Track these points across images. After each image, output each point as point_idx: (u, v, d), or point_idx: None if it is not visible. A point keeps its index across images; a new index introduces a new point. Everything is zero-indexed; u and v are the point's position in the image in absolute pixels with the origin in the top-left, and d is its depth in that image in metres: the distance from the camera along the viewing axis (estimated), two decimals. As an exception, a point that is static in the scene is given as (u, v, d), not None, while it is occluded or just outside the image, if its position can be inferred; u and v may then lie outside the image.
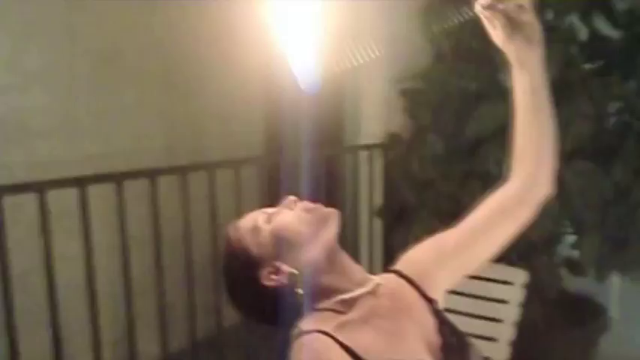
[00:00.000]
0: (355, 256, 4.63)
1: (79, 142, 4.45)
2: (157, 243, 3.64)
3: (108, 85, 4.60)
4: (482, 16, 1.66)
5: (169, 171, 3.82)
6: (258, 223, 1.71)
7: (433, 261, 1.79)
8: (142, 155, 4.53)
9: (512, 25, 1.65)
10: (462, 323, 3.50)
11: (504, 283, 3.64)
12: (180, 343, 3.99)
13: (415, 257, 1.84)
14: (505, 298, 3.63)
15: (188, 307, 3.84)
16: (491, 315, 3.62)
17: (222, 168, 3.99)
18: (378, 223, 4.86)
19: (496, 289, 3.64)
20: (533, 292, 3.75)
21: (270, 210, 1.76)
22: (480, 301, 3.64)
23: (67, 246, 3.51)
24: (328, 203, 1.71)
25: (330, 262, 1.67)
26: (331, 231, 1.68)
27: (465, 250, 1.79)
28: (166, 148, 4.83)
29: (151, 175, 3.62)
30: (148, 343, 3.76)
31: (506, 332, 3.57)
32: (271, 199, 1.79)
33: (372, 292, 1.68)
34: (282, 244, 1.66)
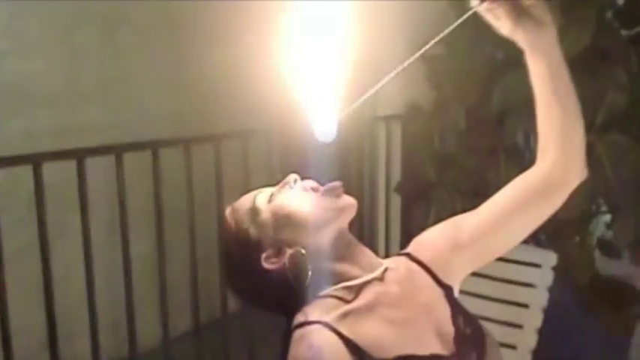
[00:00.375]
0: (372, 235, 4.67)
1: (81, 112, 4.47)
2: (159, 220, 3.66)
3: (112, 51, 4.61)
4: (480, 10, 1.65)
5: (172, 143, 3.83)
6: (257, 204, 1.71)
7: (450, 245, 1.78)
8: (148, 126, 4.54)
9: (517, 10, 1.63)
10: (485, 308, 3.53)
11: (532, 265, 3.65)
12: (182, 327, 4.02)
13: (430, 240, 1.83)
14: (532, 281, 3.64)
15: (191, 288, 3.86)
16: (517, 300, 3.63)
17: (229, 140, 4.00)
18: (396, 200, 4.87)
19: (523, 271, 3.64)
20: (563, 275, 3.76)
21: (269, 189, 1.75)
22: (504, 285, 3.65)
23: (66, 222, 3.53)
24: (343, 181, 1.70)
25: (336, 247, 1.66)
26: (347, 221, 1.68)
27: (486, 237, 1.77)
28: (174, 118, 4.84)
29: (153, 147, 3.62)
30: (149, 326, 3.79)
31: (533, 318, 3.58)
32: (283, 174, 1.78)
33: (380, 278, 1.67)
34: (284, 224, 1.66)
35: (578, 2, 1.59)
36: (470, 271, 1.83)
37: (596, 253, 4.39)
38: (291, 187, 1.72)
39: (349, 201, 1.67)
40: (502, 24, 1.66)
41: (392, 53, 4.65)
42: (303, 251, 1.62)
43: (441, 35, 1.63)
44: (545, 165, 1.74)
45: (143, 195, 3.66)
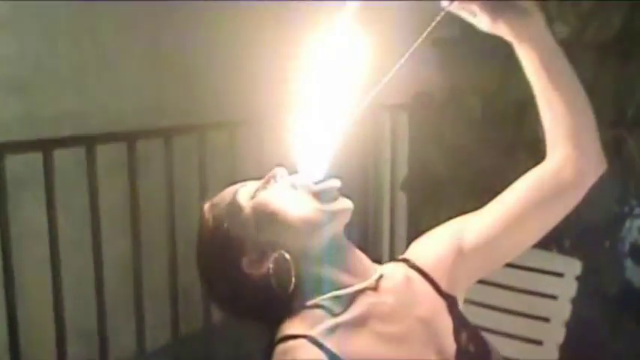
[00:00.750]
0: (376, 238, 4.67)
1: (55, 98, 4.45)
2: (135, 219, 3.65)
3: (89, 32, 4.60)
4: (453, 9, 1.65)
5: (151, 134, 3.82)
6: (238, 200, 1.68)
7: (453, 250, 1.76)
8: (128, 115, 4.53)
9: (494, 2, 1.63)
10: (500, 321, 3.52)
11: (553, 274, 3.64)
12: (161, 339, 4.02)
13: (431, 244, 1.81)
14: (554, 292, 3.63)
15: (170, 295, 3.85)
16: (536, 313, 3.63)
17: (214, 131, 3.99)
18: (402, 199, 4.86)
19: (543, 281, 3.64)
20: (589, 285, 3.75)
21: (253, 183, 1.72)
22: (523, 296, 3.64)
23: (34, 219, 3.53)
24: (342, 178, 1.67)
25: (326, 252, 1.63)
26: (340, 226, 1.65)
27: (492, 240, 1.74)
28: (155, 106, 4.83)
29: (129, 138, 3.62)
30: (123, 337, 3.79)
31: (554, 334, 3.58)
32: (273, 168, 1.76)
33: (374, 287, 1.65)
34: (268, 224, 1.63)
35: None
36: (476, 279, 1.82)
37: (628, 262, 4.38)
38: (277, 182, 1.69)
39: (344, 204, 1.64)
40: (480, 20, 1.66)
41: (399, 37, 4.65)
42: (287, 256, 1.60)
43: (416, 43, 1.63)
44: (555, 160, 1.71)
45: (120, 191, 3.66)
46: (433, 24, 1.62)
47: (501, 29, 1.65)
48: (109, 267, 3.59)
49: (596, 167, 1.73)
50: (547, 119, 1.71)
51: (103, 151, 3.50)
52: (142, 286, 3.72)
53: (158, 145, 3.72)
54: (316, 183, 1.64)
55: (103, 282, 3.57)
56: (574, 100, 1.69)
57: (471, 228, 1.77)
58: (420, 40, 1.62)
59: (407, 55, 1.61)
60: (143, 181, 3.65)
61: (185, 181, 3.84)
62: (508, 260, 1.81)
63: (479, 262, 1.77)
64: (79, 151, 3.46)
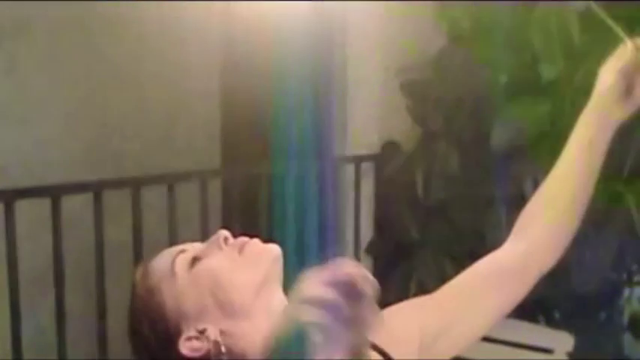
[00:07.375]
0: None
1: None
2: (59, 287, 3.62)
3: (6, 68, 4.60)
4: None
5: (79, 188, 3.81)
6: (176, 267, 1.65)
7: (411, 328, 1.78)
8: (52, 166, 4.52)
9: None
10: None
11: (541, 350, 3.65)
12: None
13: (389, 323, 1.81)
14: (542, 371, 3.64)
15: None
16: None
17: (149, 185, 3.98)
18: (367, 264, 4.86)
19: (530, 359, 3.64)
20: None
21: (192, 247, 1.70)
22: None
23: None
24: (268, 238, 1.65)
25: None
26: (267, 275, 1.63)
27: (446, 321, 1.81)
28: (84, 158, 4.82)
29: (53, 193, 3.60)
30: None
31: (542, 419, 3.58)
32: (227, 223, 1.75)
33: None
34: (209, 297, 1.61)
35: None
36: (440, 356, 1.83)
37: (627, 337, 4.39)
38: (221, 248, 1.66)
39: (264, 247, 1.66)
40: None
41: (368, 81, 4.68)
42: (222, 340, 1.57)
43: None
44: (520, 241, 1.85)
45: (43, 252, 3.65)
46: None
47: (607, 83, 1.85)
48: (27, 341, 3.56)
49: (549, 263, 1.87)
50: (548, 192, 1.77)
51: (23, 207, 3.49)
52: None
53: (89, 200, 3.70)
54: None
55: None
56: (581, 196, 1.82)
57: (429, 305, 1.84)
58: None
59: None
60: (70, 241, 3.64)
61: (118, 242, 3.82)
62: (466, 342, 1.86)
63: (438, 342, 1.81)
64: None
